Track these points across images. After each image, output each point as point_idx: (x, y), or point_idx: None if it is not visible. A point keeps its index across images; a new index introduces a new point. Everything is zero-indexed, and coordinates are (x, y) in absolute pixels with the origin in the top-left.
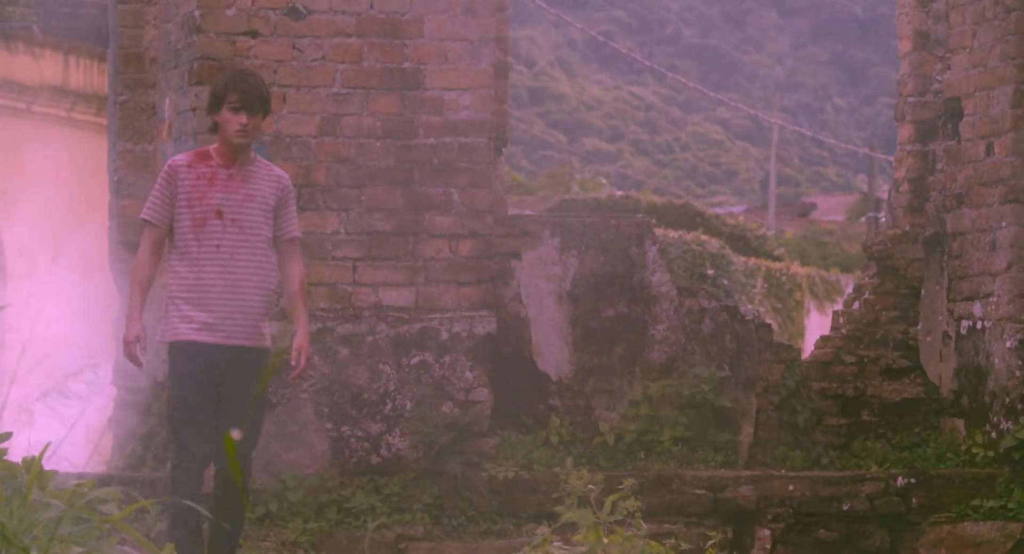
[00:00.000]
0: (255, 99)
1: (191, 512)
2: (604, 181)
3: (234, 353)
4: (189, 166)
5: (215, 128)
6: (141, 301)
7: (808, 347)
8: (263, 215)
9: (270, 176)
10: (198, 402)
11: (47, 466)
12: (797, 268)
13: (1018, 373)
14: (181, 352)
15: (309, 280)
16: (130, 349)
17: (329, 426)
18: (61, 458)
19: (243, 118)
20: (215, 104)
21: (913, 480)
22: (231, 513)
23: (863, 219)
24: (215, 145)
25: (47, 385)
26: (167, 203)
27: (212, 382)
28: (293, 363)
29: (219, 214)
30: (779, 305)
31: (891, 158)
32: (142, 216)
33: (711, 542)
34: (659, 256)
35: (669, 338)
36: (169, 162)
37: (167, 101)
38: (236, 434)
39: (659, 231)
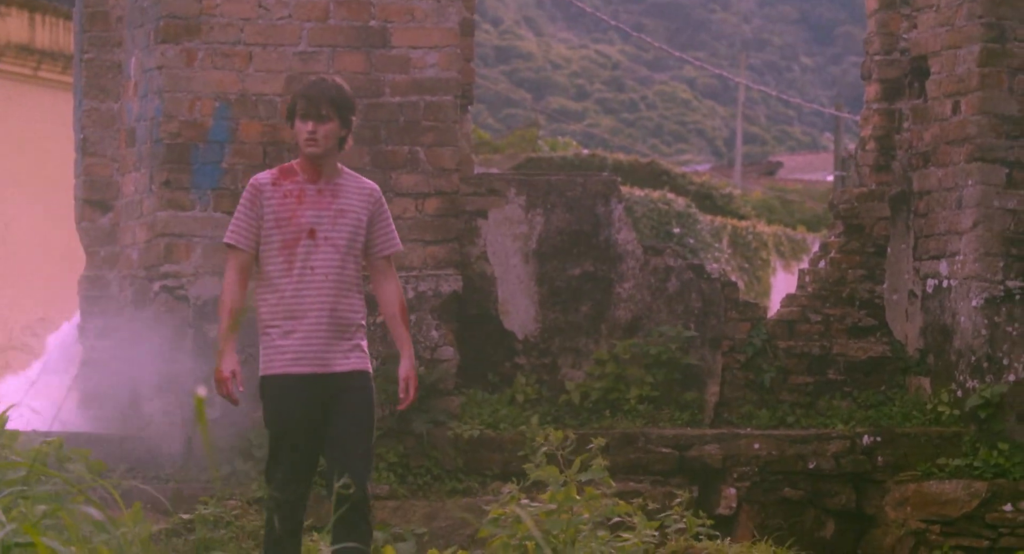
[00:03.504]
0: (322, 105)
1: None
2: (573, 142)
3: (335, 380)
4: (274, 184)
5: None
6: (233, 333)
7: (774, 306)
8: (356, 231)
9: (361, 189)
10: (295, 441)
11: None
12: (763, 227)
13: (984, 332)
14: (276, 388)
15: None
16: (225, 387)
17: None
18: (28, 415)
19: (309, 126)
20: (290, 115)
21: (879, 438)
22: (358, 535)
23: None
24: (298, 159)
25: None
26: (253, 225)
27: (313, 418)
28: (401, 395)
29: (311, 233)
30: (745, 264)
31: (858, 117)
32: (226, 241)
33: (677, 500)
34: (625, 214)
35: (635, 296)
36: (252, 181)
37: (133, 59)
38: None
39: (625, 189)
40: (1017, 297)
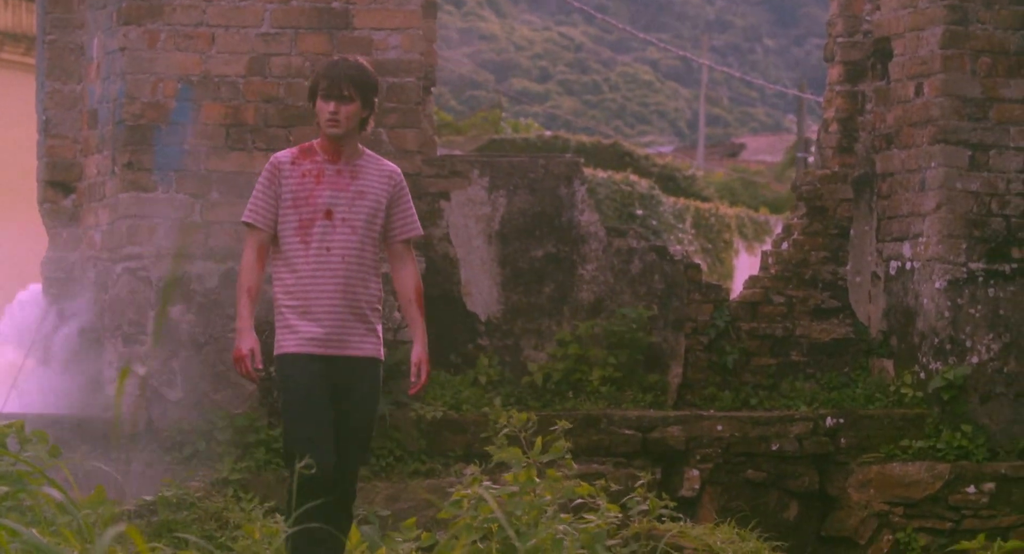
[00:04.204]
0: (344, 85)
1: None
2: (536, 124)
3: (348, 365)
4: (293, 163)
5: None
6: (250, 312)
7: (737, 287)
8: (374, 213)
9: (381, 171)
10: (314, 418)
11: None
12: (726, 208)
13: (947, 314)
14: (290, 366)
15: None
16: (243, 365)
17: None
18: None
19: (331, 106)
20: (311, 94)
21: (842, 420)
22: (337, 524)
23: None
24: (318, 139)
25: None
26: (270, 204)
27: (327, 395)
28: (413, 379)
29: (328, 214)
30: (708, 245)
31: (820, 99)
32: (244, 219)
33: (640, 482)
34: (588, 196)
35: (598, 278)
36: (271, 159)
37: (95, 41)
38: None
39: (588, 171)
40: (980, 279)
